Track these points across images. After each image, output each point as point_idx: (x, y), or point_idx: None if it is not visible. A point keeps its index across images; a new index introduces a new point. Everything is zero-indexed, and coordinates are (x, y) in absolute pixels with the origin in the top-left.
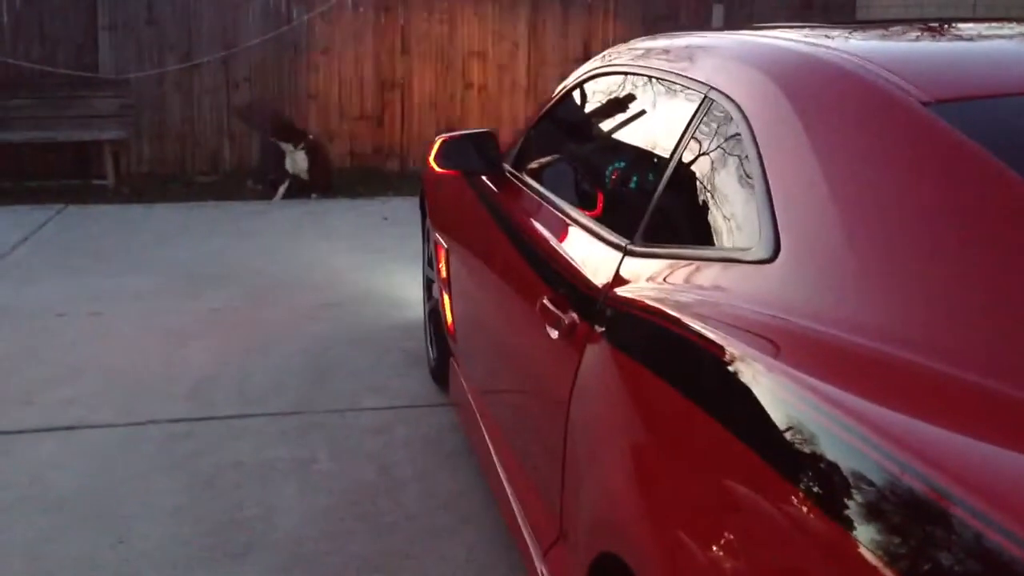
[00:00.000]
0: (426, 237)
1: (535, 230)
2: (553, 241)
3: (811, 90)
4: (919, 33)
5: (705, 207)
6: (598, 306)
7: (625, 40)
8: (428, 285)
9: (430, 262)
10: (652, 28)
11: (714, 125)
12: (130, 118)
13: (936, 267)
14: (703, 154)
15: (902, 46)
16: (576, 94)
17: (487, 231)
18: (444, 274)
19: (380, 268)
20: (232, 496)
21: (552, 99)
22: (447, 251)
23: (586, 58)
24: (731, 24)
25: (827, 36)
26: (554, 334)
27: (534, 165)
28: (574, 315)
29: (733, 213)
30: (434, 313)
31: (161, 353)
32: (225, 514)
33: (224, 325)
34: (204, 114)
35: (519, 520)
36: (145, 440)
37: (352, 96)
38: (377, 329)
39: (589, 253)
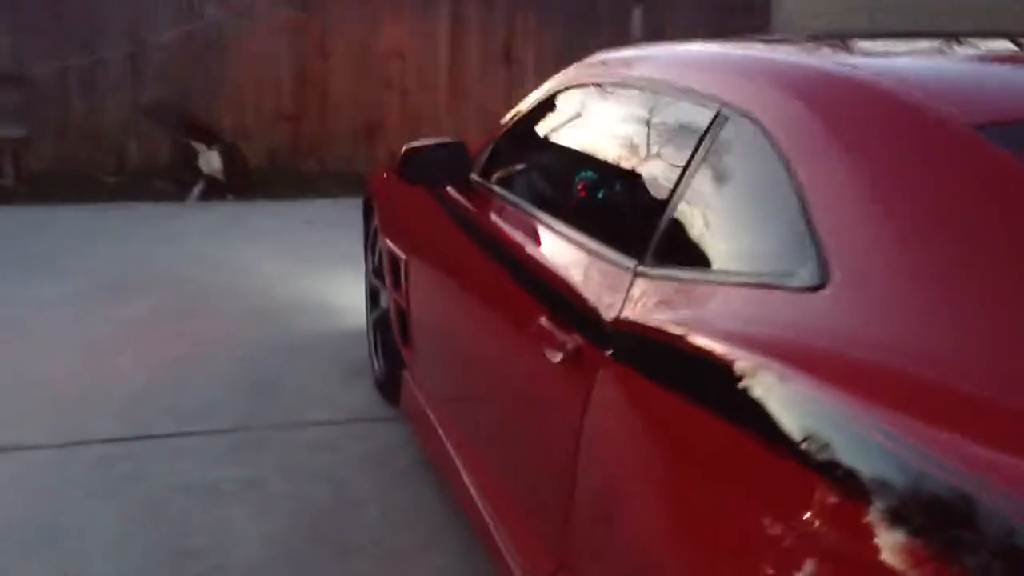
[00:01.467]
0: (371, 246)
1: (522, 247)
2: (545, 259)
3: (850, 112)
4: (929, 50)
5: (727, 229)
6: (607, 330)
7: (543, 41)
8: (373, 295)
9: (376, 272)
10: (573, 30)
11: (730, 143)
12: (31, 115)
13: (1004, 290)
14: (720, 173)
15: (930, 65)
16: (556, 105)
17: (459, 245)
18: (400, 286)
19: (310, 274)
20: (180, 522)
21: (523, 110)
22: (405, 263)
23: (507, 59)
24: (652, 29)
25: (839, 53)
26: (555, 357)
27: (513, 178)
28: (578, 338)
29: (764, 236)
30: (382, 324)
31: (87, 367)
32: (175, 543)
33: (152, 335)
34: (110, 111)
35: (501, 546)
36: (78, 463)
37: (268, 94)
38: (314, 338)
39: (589, 273)
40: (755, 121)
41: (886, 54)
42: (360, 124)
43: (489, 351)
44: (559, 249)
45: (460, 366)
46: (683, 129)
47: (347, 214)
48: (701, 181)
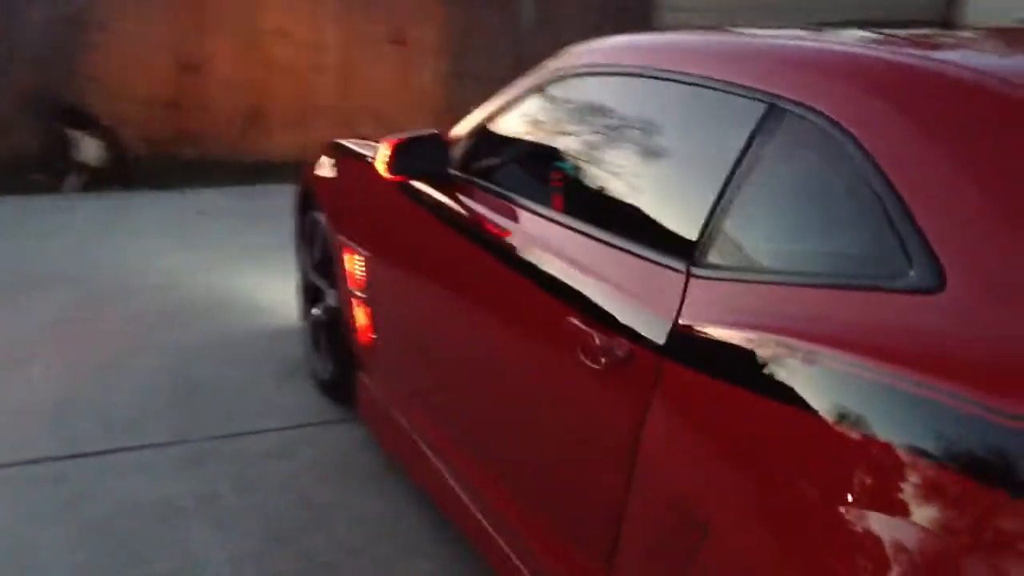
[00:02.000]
0: (308, 241)
1: (538, 247)
2: (571, 260)
3: (940, 105)
4: (974, 38)
5: (801, 229)
6: (672, 335)
7: (438, 22)
8: (312, 292)
9: (319, 268)
10: (469, 11)
11: (793, 139)
12: None
13: None
14: (783, 170)
15: (996, 54)
16: (555, 96)
17: (451, 243)
18: (358, 284)
19: (216, 268)
20: (137, 547)
21: (507, 100)
22: (368, 260)
23: (400, 40)
24: (543, 12)
25: (892, 44)
26: (595, 363)
27: (510, 175)
28: (626, 343)
29: (852, 237)
30: (328, 323)
31: None
32: (140, 569)
33: (60, 341)
34: None
35: (519, 566)
36: (9, 487)
37: (145, 78)
38: (238, 337)
39: (628, 275)
40: (825, 116)
41: (945, 45)
42: (244, 109)
43: (496, 355)
44: (586, 250)
45: (452, 370)
46: (725, 124)
47: (241, 203)
48: (759, 178)
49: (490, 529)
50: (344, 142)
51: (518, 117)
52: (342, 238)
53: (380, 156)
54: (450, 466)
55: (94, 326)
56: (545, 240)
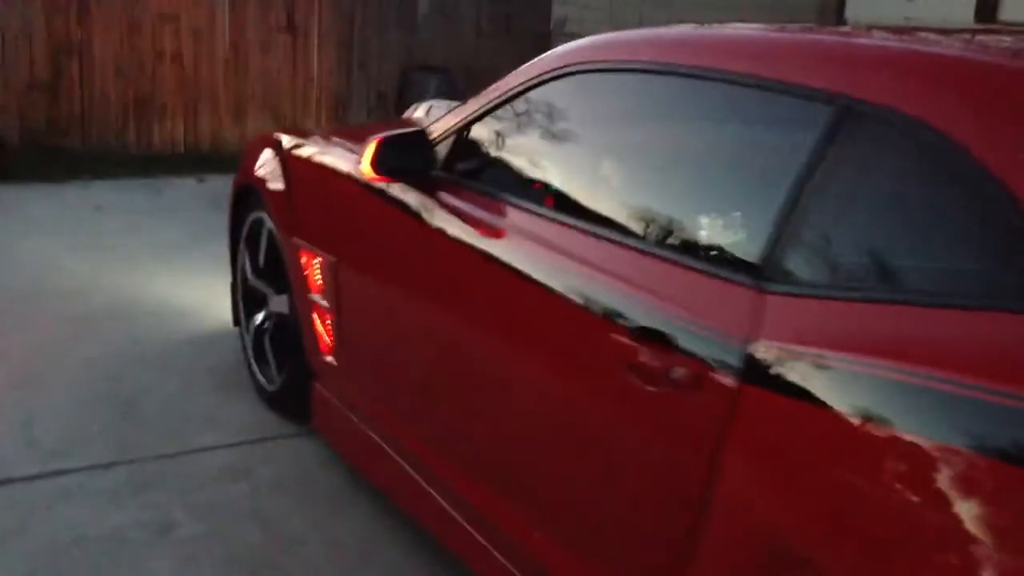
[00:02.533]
0: (248, 243)
1: (565, 258)
2: (609, 274)
3: None
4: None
5: (895, 241)
6: (745, 357)
7: (329, 10)
8: (252, 298)
9: (260, 272)
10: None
11: (876, 144)
12: None
13: None
14: (864, 178)
15: None
16: (568, 93)
17: (442, 248)
18: (320, 289)
19: (126, 270)
20: None
21: (501, 95)
22: (332, 265)
23: (291, 27)
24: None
25: (966, 43)
26: (649, 385)
27: (520, 179)
28: (691, 363)
29: (961, 250)
30: (275, 332)
31: None
32: None
33: None
34: None
35: None
36: None
37: (18, 61)
38: (163, 345)
39: (681, 291)
40: (915, 121)
41: (1008, 45)
42: (129, 96)
43: (515, 372)
44: (630, 263)
45: (455, 386)
46: (784, 127)
47: (137, 197)
48: (840, 187)
49: (510, 567)
50: (290, 137)
51: (520, 116)
52: (299, 241)
53: (366, 155)
54: (448, 489)
55: (1, 339)
56: (576, 252)
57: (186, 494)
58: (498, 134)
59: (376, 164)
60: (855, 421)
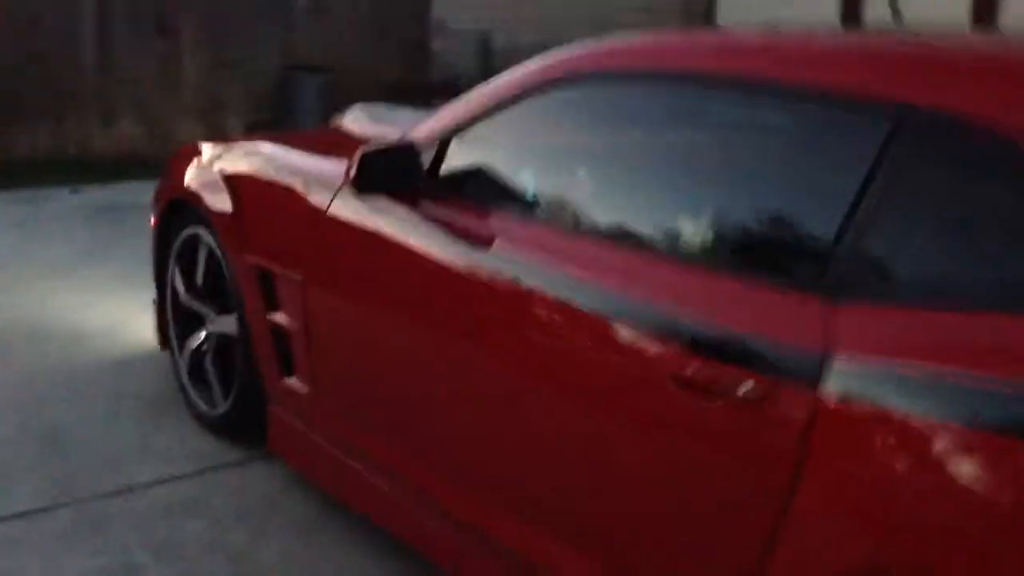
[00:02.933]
0: (182, 260)
1: (604, 275)
2: (653, 289)
3: None
4: None
5: (971, 250)
6: (823, 369)
7: (203, 9)
8: (187, 319)
9: (197, 291)
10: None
11: (944, 152)
12: None
13: None
14: (933, 186)
15: None
16: (580, 101)
17: (441, 266)
18: (284, 310)
19: (14, 290)
20: None
21: (493, 102)
22: (301, 284)
23: (161, 29)
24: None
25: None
26: (706, 400)
27: (528, 193)
28: (760, 379)
29: None
30: (220, 353)
31: None
32: None
33: None
34: None
35: None
36: None
37: None
38: (81, 371)
39: (734, 304)
40: (984, 127)
41: None
42: None
43: (543, 395)
44: (674, 278)
45: (467, 411)
46: (837, 134)
47: (12, 208)
48: (903, 195)
49: None
50: (229, 147)
51: (522, 125)
52: (253, 259)
53: (353, 168)
54: (456, 515)
55: None
56: (616, 268)
57: (143, 533)
58: (497, 145)
59: (361, 181)
60: (945, 429)
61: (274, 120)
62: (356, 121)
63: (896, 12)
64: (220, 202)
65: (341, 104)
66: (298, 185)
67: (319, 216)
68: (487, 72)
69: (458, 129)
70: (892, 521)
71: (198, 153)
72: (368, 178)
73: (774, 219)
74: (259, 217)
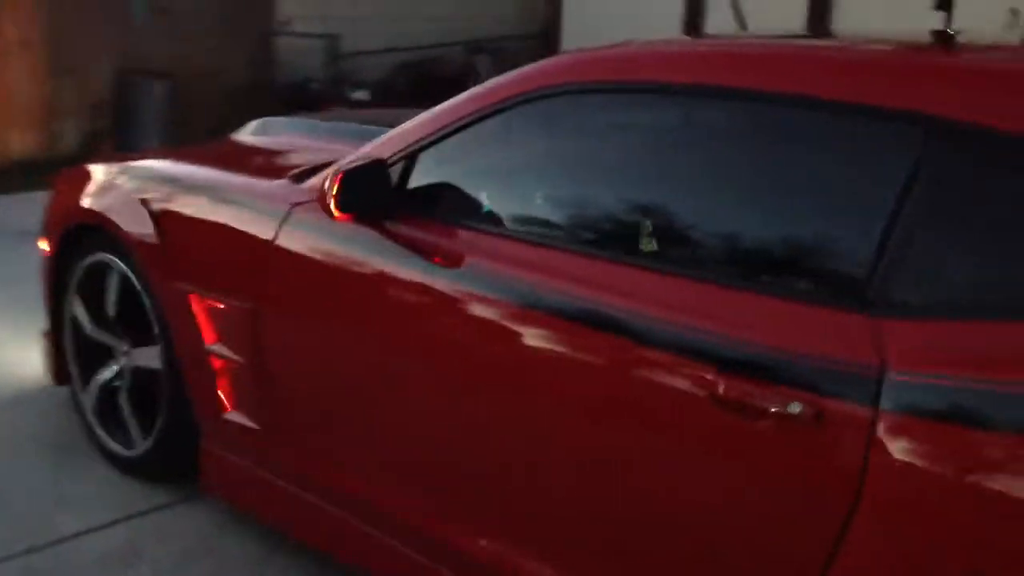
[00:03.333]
0: (85, 290)
1: (612, 292)
2: (681, 309)
3: None
4: None
5: (1007, 259)
6: (879, 386)
7: (30, 10)
8: (96, 353)
9: (106, 322)
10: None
11: (969, 162)
12: None
13: None
14: (965, 197)
15: None
16: (572, 114)
17: (421, 290)
18: (222, 339)
19: None
20: None
21: (469, 115)
22: (251, 313)
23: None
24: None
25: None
26: (755, 422)
27: (517, 211)
28: (810, 398)
29: None
30: (136, 389)
31: None
32: None
33: None
34: None
35: None
36: None
37: None
38: None
39: (770, 322)
40: (1012, 136)
41: None
42: None
43: (559, 425)
44: (706, 298)
45: (461, 444)
46: (865, 147)
47: None
48: (941, 208)
49: None
50: (142, 167)
51: (500, 139)
52: (186, 287)
53: (333, 189)
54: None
55: None
56: (638, 289)
57: None
58: (471, 161)
59: (341, 203)
60: (1006, 441)
61: (115, 128)
62: (257, 135)
63: (739, 15)
64: (139, 227)
65: (185, 110)
66: (236, 207)
67: (269, 240)
68: (336, 75)
69: (426, 145)
70: (958, 537)
71: (89, 175)
72: (349, 197)
73: (810, 235)
74: (190, 243)
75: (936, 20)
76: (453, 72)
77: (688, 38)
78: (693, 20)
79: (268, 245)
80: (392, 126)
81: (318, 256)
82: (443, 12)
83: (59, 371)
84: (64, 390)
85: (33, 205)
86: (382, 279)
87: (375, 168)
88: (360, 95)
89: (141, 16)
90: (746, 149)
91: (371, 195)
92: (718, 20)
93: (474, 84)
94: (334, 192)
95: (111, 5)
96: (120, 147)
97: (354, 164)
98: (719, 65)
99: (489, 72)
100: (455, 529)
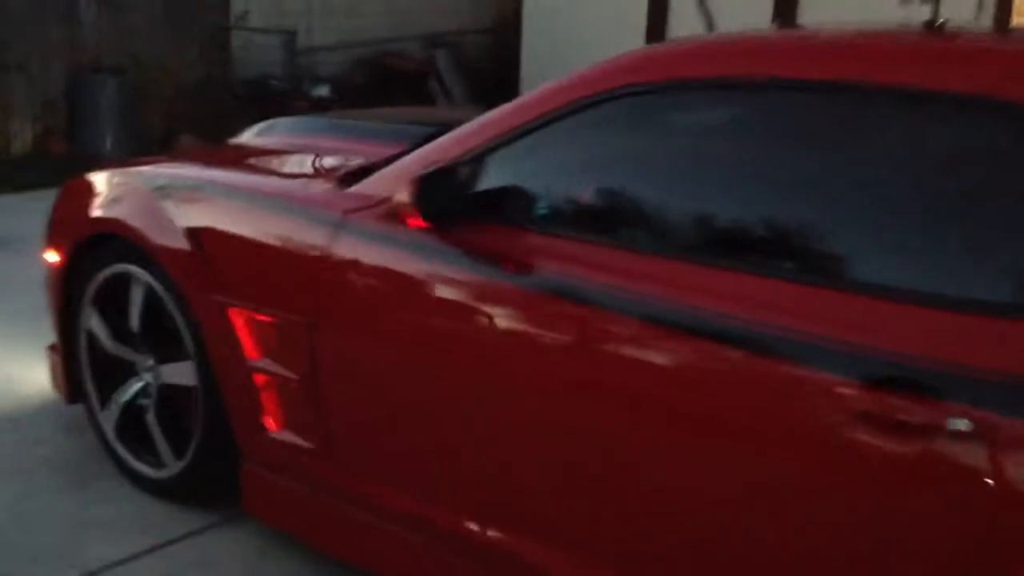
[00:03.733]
0: (103, 303)
1: (724, 300)
2: (800, 320)
3: None
4: None
5: None
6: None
7: None
8: (116, 370)
9: (129, 337)
10: None
11: None
12: None
13: None
14: None
15: None
16: (659, 113)
17: (484, 300)
18: (276, 357)
19: None
20: None
21: (539, 116)
22: (306, 328)
23: None
24: None
25: None
26: (909, 439)
27: (609, 219)
28: (966, 411)
29: None
30: (167, 407)
31: None
32: None
33: None
34: None
35: None
36: None
37: None
38: None
39: (924, 330)
40: None
41: None
42: None
43: (680, 445)
44: (837, 309)
45: (558, 469)
46: (1005, 142)
47: None
48: None
49: None
50: (163, 173)
51: (587, 140)
52: (222, 298)
53: (411, 194)
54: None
55: None
56: (760, 300)
57: None
58: (555, 163)
59: (424, 211)
60: None
61: (69, 126)
62: (263, 136)
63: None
64: (167, 236)
65: (140, 107)
66: (277, 213)
67: (323, 249)
68: (293, 71)
69: (497, 146)
70: None
71: (100, 184)
72: (430, 205)
73: (953, 239)
74: (229, 252)
75: (903, 13)
76: (412, 67)
77: (795, 28)
78: (657, 10)
79: (322, 254)
80: (419, 123)
81: (389, 267)
82: (399, 5)
83: (71, 389)
84: (69, 409)
85: None
86: (466, 290)
87: (453, 172)
88: (322, 91)
89: (88, 8)
90: (883, 148)
91: (450, 201)
92: (682, 11)
93: (435, 80)
94: (413, 200)
95: (61, 1)
96: (75, 145)
97: (430, 169)
98: (857, 58)
99: (449, 67)
100: (538, 557)
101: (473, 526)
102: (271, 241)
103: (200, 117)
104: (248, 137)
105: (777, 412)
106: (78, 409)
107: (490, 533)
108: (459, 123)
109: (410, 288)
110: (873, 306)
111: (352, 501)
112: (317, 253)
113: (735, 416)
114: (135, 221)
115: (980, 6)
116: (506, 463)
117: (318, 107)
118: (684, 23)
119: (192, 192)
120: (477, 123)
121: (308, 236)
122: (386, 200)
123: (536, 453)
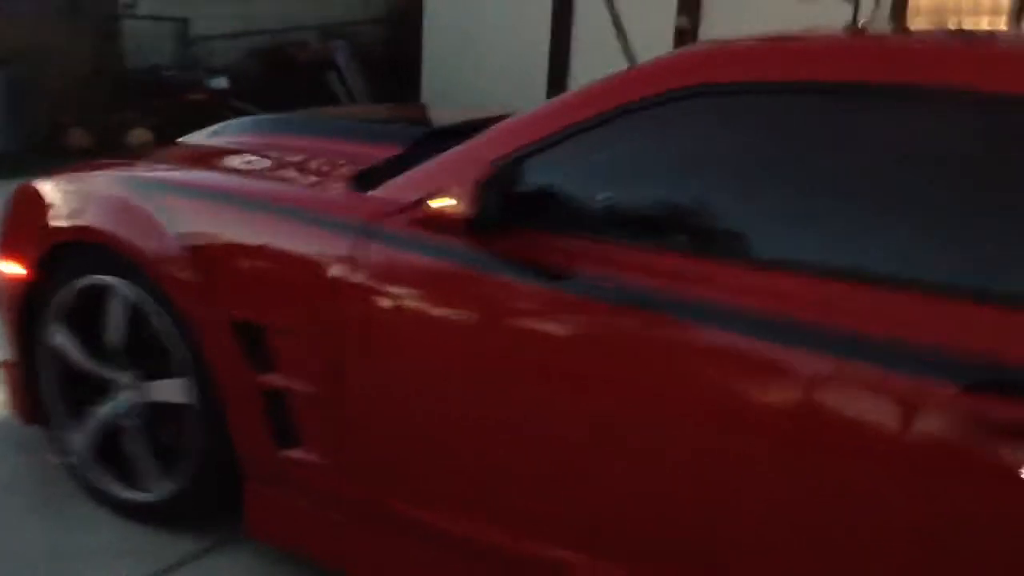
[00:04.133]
0: (73, 317)
1: (808, 308)
2: (892, 324)
3: None
4: None
5: None
6: None
7: None
8: (87, 388)
9: (106, 355)
10: None
11: None
12: None
13: None
14: None
15: None
16: (717, 112)
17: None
18: (290, 373)
19: None
20: None
21: (596, 116)
22: (328, 339)
23: None
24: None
25: None
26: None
27: (677, 223)
28: None
29: None
30: (154, 426)
31: None
32: None
33: None
34: None
35: None
36: None
37: None
38: None
39: (992, 324)
40: None
41: None
42: None
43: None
44: (932, 312)
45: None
46: None
47: None
48: None
49: None
50: (138, 176)
51: (644, 141)
52: (225, 311)
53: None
54: None
55: None
56: (849, 307)
57: None
58: (608, 166)
59: (484, 217)
60: None
61: None
62: (220, 137)
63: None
64: (156, 245)
65: (27, 98)
66: (285, 219)
67: (346, 258)
68: (187, 61)
69: (544, 147)
70: None
71: (58, 190)
72: (484, 212)
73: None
74: (231, 262)
75: (808, 18)
76: (310, 58)
77: (863, 32)
78: (562, 18)
79: (346, 264)
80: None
81: (431, 277)
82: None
83: (30, 409)
84: (20, 430)
85: None
86: (518, 300)
87: (518, 177)
88: (219, 83)
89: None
90: (969, 150)
91: (500, 207)
92: (587, 3)
93: (335, 71)
94: (468, 207)
95: None
96: None
97: (493, 173)
98: (936, 61)
99: (348, 59)
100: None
101: (519, 543)
102: (285, 249)
103: (90, 109)
104: (202, 139)
105: (887, 421)
106: (33, 429)
107: (542, 552)
108: (428, 121)
109: (458, 300)
110: (972, 311)
111: (373, 519)
112: (337, 261)
113: (845, 429)
114: (116, 229)
115: (877, 5)
116: (566, 484)
117: (215, 99)
118: (590, 14)
119: (186, 198)
120: (516, 121)
121: (324, 243)
122: (417, 204)
123: (602, 475)
